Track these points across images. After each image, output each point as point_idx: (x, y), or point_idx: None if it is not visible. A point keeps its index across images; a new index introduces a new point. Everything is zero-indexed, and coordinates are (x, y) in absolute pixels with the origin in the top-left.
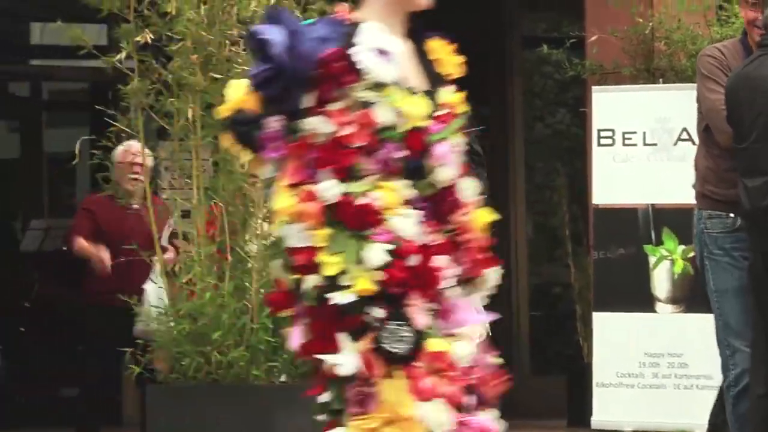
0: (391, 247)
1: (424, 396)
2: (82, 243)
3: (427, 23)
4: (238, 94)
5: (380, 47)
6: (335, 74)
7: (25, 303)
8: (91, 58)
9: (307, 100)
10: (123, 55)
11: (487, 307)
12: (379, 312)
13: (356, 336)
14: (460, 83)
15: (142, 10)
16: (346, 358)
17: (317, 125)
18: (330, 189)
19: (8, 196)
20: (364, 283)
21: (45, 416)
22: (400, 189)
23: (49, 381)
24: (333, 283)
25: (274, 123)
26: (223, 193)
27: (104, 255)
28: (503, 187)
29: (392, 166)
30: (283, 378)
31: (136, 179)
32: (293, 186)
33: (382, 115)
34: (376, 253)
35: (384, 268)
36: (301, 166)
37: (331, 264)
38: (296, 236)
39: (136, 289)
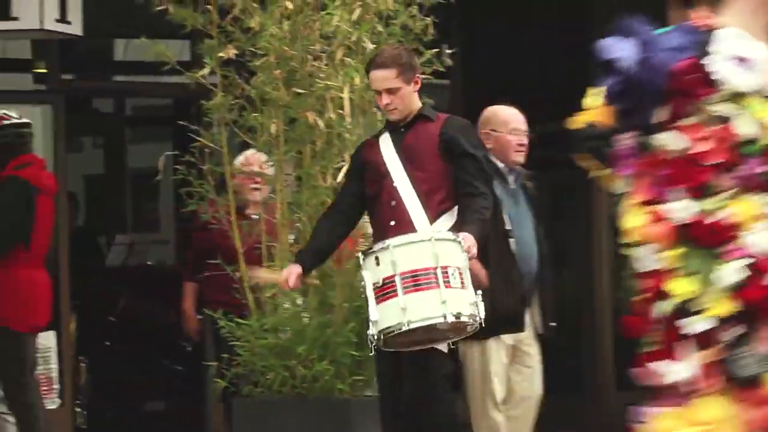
0: (747, 263)
1: (756, 426)
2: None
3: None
4: (593, 106)
5: (740, 54)
6: (688, 87)
7: (111, 317)
8: (174, 73)
9: (660, 114)
10: (206, 70)
11: (570, 325)
12: (730, 331)
13: (701, 347)
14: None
15: (225, 26)
16: (683, 366)
17: (670, 141)
18: (683, 208)
19: (93, 212)
20: (721, 307)
21: (130, 430)
22: (758, 204)
23: (134, 395)
24: (687, 307)
25: (626, 138)
26: (307, 208)
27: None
28: (586, 201)
29: (754, 181)
30: (368, 392)
31: (256, 189)
32: (644, 204)
33: (742, 128)
34: (731, 271)
35: (739, 287)
36: (653, 182)
37: (684, 288)
38: (647, 258)
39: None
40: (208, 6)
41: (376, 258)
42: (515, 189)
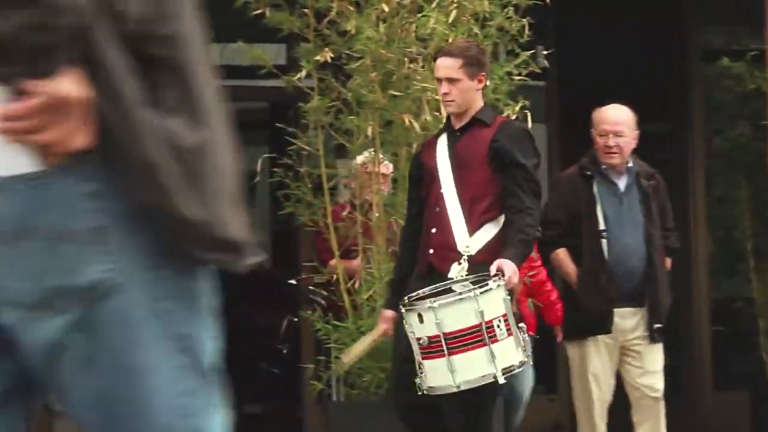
0: None
1: None
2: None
3: (605, 38)
4: None
5: None
6: None
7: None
8: (271, 77)
9: None
10: (303, 73)
11: (667, 325)
12: None
13: None
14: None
15: (321, 30)
16: None
17: None
18: None
19: None
20: None
21: None
22: None
23: (231, 398)
24: None
25: None
26: (402, 210)
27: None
28: (683, 201)
29: None
30: None
31: (380, 189)
32: None
33: None
34: None
35: None
36: None
37: None
38: None
39: None
40: (305, 10)
41: (419, 315)
42: (621, 188)
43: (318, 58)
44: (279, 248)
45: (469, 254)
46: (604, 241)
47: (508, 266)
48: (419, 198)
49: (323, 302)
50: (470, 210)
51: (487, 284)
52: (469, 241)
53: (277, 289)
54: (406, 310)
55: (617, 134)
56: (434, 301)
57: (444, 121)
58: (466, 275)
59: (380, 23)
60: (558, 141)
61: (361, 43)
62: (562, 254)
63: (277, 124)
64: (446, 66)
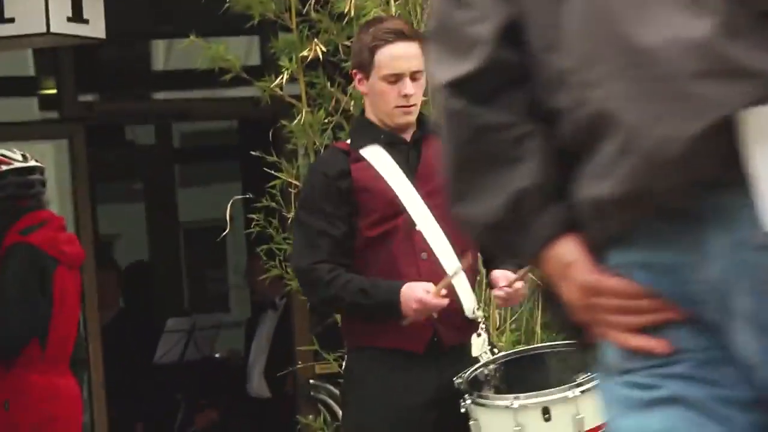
0: None
1: None
2: None
3: None
4: None
5: None
6: None
7: None
8: (239, 84)
9: None
10: (285, 77)
11: None
12: None
13: None
14: None
15: (307, 13)
16: None
17: None
18: None
19: (135, 288)
20: None
21: None
22: None
23: None
24: None
25: None
26: None
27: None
28: None
29: None
30: None
31: None
32: None
33: None
34: None
35: None
36: None
37: None
38: None
39: None
40: None
41: (546, 411)
42: None
43: (305, 53)
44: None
45: (483, 320)
46: None
47: (506, 274)
48: (343, 240)
49: (330, 402)
50: (462, 256)
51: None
52: (474, 303)
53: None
54: (498, 407)
55: None
56: (574, 389)
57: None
58: (490, 350)
59: (391, 1)
60: None
61: None
62: None
63: (252, 152)
64: (412, 55)
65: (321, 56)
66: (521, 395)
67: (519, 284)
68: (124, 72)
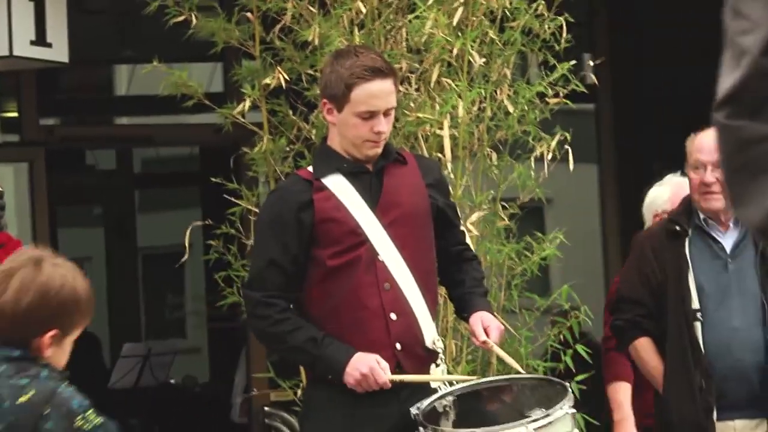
0: None
1: None
2: None
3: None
4: None
5: None
6: None
7: None
8: (201, 111)
9: None
10: (247, 104)
11: None
12: None
13: None
14: None
15: (271, 41)
16: None
17: None
18: None
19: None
20: None
21: None
22: None
23: None
24: None
25: None
26: None
27: None
28: None
29: None
30: None
31: None
32: None
33: None
34: None
35: None
36: None
37: None
38: None
39: None
40: (248, 14)
41: None
42: (726, 248)
43: (267, 81)
44: (218, 354)
45: (441, 351)
46: (698, 325)
47: (496, 323)
48: (318, 258)
49: (285, 429)
50: (426, 288)
51: (567, 391)
52: (435, 333)
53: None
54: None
55: (718, 166)
56: (528, 425)
57: (450, 165)
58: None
59: (355, 29)
60: (615, 188)
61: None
62: (644, 345)
63: (213, 179)
64: (387, 92)
65: (284, 84)
66: (477, 430)
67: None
68: (86, 96)
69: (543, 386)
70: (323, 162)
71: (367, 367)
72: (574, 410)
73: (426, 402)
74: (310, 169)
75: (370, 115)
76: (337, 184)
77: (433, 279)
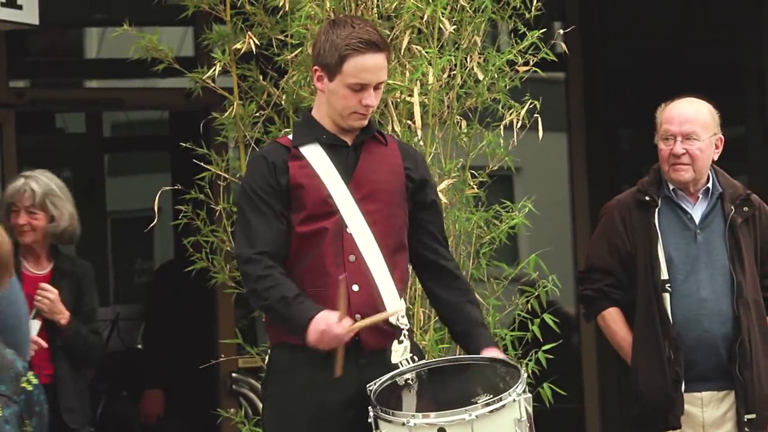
0: None
1: None
2: None
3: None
4: None
5: None
6: None
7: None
8: (171, 75)
9: None
10: (217, 69)
11: None
12: None
13: None
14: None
15: (242, 6)
16: None
17: None
18: None
19: None
20: None
21: None
22: None
23: None
24: None
25: None
26: None
27: None
28: None
29: None
30: None
31: None
32: None
33: None
34: None
35: None
36: None
37: None
38: None
39: None
40: None
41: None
42: (695, 219)
43: (238, 46)
44: (188, 319)
45: (406, 328)
46: (667, 296)
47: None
48: (284, 232)
49: (252, 395)
50: (393, 264)
51: (520, 374)
52: (402, 310)
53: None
54: (395, 423)
55: (688, 137)
56: (471, 412)
57: (420, 132)
58: (411, 358)
59: None
60: (584, 156)
61: (299, 24)
62: (613, 315)
63: (181, 143)
64: (379, 67)
65: (254, 49)
66: (418, 414)
67: None
68: (56, 59)
69: (498, 368)
70: (303, 131)
71: (325, 323)
72: (527, 395)
73: (383, 379)
74: (290, 137)
75: (360, 88)
76: (314, 154)
77: (402, 257)
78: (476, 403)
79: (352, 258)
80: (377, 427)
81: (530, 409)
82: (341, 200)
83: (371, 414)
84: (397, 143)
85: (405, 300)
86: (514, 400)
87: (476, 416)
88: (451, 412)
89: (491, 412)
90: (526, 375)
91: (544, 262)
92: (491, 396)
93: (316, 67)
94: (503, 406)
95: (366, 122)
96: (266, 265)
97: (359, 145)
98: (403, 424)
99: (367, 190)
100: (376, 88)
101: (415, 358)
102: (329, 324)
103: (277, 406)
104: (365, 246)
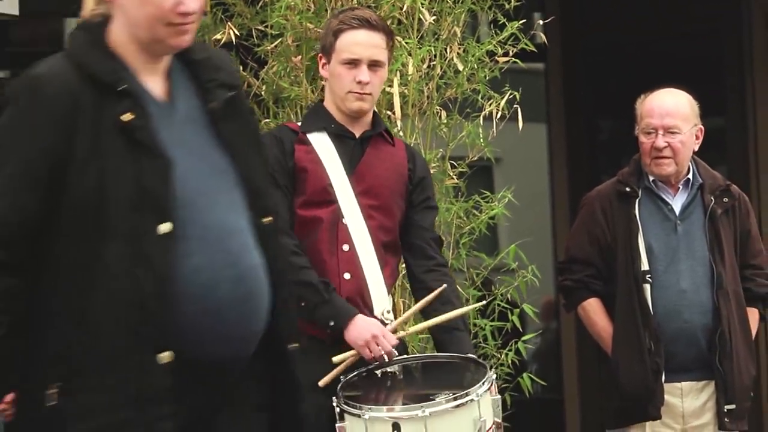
0: None
1: None
2: None
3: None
4: None
5: None
6: None
7: None
8: None
9: None
10: None
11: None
12: None
13: None
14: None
15: None
16: None
17: None
18: None
19: None
20: None
21: None
22: None
23: None
24: None
25: None
26: None
27: None
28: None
29: None
30: None
31: None
32: None
33: None
34: None
35: None
36: None
37: None
38: None
39: None
40: None
41: (396, 427)
42: (676, 210)
43: (218, 37)
44: None
45: (391, 322)
46: (647, 287)
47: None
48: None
49: None
50: (384, 261)
51: (486, 373)
52: (388, 305)
53: None
54: (354, 414)
55: (669, 131)
56: (425, 409)
57: (400, 123)
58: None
59: None
60: (564, 147)
61: (279, 15)
62: (593, 306)
63: None
64: (373, 43)
65: (234, 40)
66: (374, 407)
67: None
68: (36, 50)
69: (470, 367)
70: (312, 119)
71: (378, 330)
72: (495, 396)
73: (358, 372)
74: (299, 123)
75: (352, 64)
76: (320, 142)
77: (394, 255)
78: (434, 399)
79: (345, 247)
80: (342, 419)
81: (498, 411)
82: (341, 190)
83: (335, 406)
84: (405, 145)
85: (391, 296)
86: (473, 400)
87: (429, 413)
88: (405, 407)
89: (446, 410)
90: (494, 376)
91: (524, 252)
92: (451, 394)
93: (319, 55)
94: (459, 404)
95: (366, 105)
96: (297, 243)
97: (366, 139)
98: (359, 416)
99: (368, 185)
100: (372, 67)
101: (395, 353)
102: (385, 335)
103: None
104: (359, 238)
